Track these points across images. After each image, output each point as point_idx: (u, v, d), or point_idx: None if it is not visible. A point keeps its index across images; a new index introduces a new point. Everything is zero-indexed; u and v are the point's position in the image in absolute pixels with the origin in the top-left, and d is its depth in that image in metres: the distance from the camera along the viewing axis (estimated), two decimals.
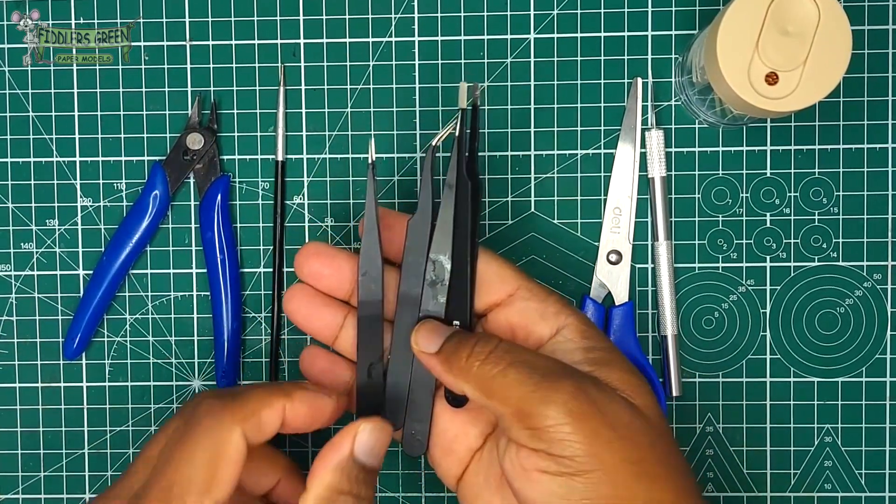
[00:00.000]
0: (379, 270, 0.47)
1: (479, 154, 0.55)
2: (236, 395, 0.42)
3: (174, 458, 0.39)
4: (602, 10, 0.55)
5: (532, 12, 0.55)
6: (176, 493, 0.39)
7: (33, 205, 0.56)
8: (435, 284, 0.47)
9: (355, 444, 0.42)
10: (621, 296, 0.55)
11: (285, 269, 0.55)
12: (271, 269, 0.55)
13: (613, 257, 0.55)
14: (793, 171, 0.55)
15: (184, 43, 0.55)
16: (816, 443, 0.55)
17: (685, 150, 0.55)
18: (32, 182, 0.56)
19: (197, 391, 0.56)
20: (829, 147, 0.55)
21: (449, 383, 0.44)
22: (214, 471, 0.39)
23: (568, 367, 0.43)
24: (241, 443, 0.40)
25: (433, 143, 0.47)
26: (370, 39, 0.55)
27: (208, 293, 0.55)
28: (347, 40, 0.55)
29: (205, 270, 0.55)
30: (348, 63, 0.55)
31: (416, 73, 0.55)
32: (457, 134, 0.46)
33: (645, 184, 0.55)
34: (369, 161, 0.47)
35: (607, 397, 0.41)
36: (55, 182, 0.56)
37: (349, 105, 0.55)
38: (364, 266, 0.47)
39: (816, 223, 0.55)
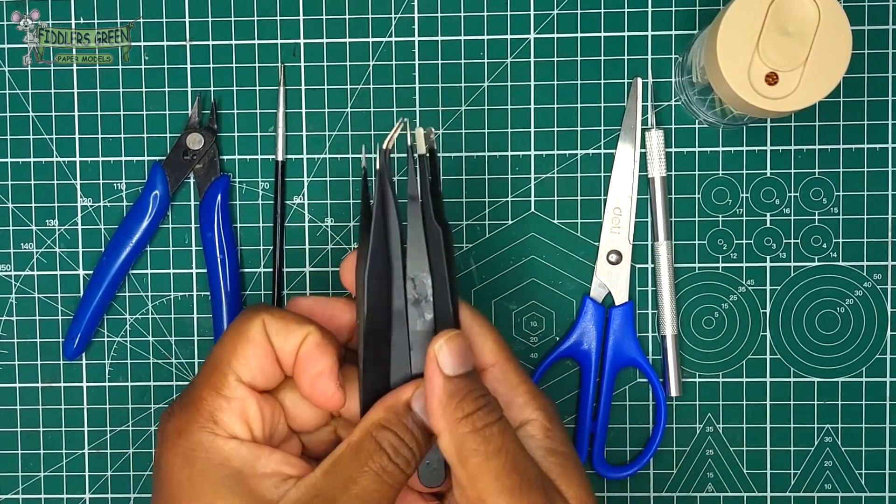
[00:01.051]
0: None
1: (480, 154, 0.55)
2: (273, 306, 0.45)
3: (216, 345, 0.43)
4: (602, 10, 0.55)
5: (532, 12, 0.55)
6: (211, 368, 0.42)
7: (33, 205, 0.56)
8: (419, 303, 0.44)
9: (414, 395, 0.41)
10: (621, 296, 0.55)
11: (285, 269, 0.55)
12: (271, 269, 0.55)
13: (613, 257, 0.55)
14: (793, 171, 0.55)
15: (184, 43, 0.55)
16: (816, 443, 0.55)
17: (685, 150, 0.55)
18: (32, 182, 0.56)
19: None
20: (829, 147, 0.55)
21: (432, 410, 0.40)
22: (235, 346, 0.42)
23: (545, 479, 0.41)
24: (260, 329, 0.42)
25: (385, 146, 0.42)
26: (370, 39, 0.55)
27: (208, 293, 0.55)
28: (347, 40, 0.55)
29: (205, 270, 0.55)
30: (348, 63, 0.55)
31: (416, 73, 0.55)
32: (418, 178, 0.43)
33: (645, 184, 0.55)
34: (370, 167, 0.45)
35: None
36: (55, 182, 0.56)
37: (349, 105, 0.55)
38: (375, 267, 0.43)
39: (816, 223, 0.55)
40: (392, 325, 0.43)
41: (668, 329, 0.54)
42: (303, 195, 0.55)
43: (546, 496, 0.40)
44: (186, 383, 0.56)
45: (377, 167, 0.43)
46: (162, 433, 0.42)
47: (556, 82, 0.55)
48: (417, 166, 0.43)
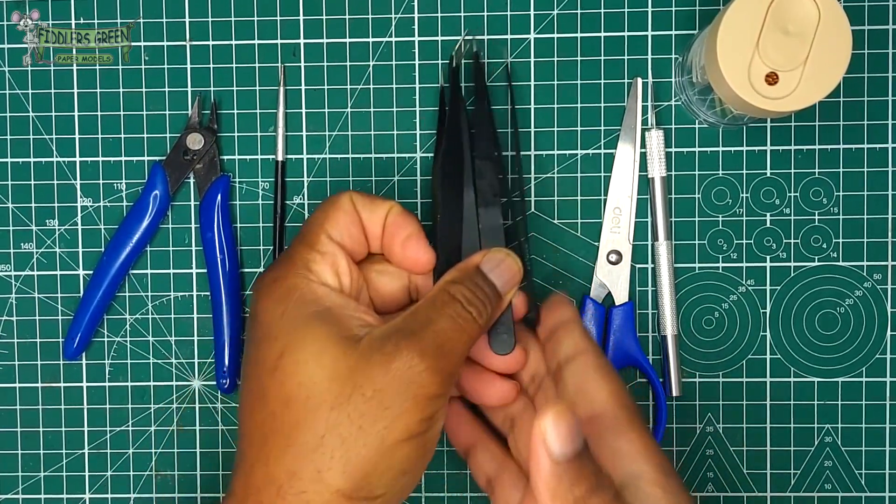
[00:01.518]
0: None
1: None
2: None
3: (308, 219, 0.47)
4: (602, 10, 0.55)
5: (532, 12, 0.55)
6: (305, 231, 0.46)
7: (33, 205, 0.56)
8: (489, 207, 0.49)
9: (484, 258, 0.45)
10: (621, 296, 0.55)
11: None
12: None
13: (613, 257, 0.55)
14: (793, 171, 0.55)
15: (184, 43, 0.55)
16: (816, 443, 0.55)
17: (685, 150, 0.55)
18: (32, 182, 0.56)
19: (197, 391, 0.56)
20: (829, 147, 0.55)
21: (538, 494, 0.39)
22: (327, 213, 0.46)
23: None
24: (348, 200, 0.47)
25: (453, 64, 0.52)
26: (370, 39, 0.55)
27: (208, 293, 0.55)
28: (347, 40, 0.55)
29: (205, 270, 0.55)
30: (348, 63, 0.55)
31: (416, 73, 0.55)
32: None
33: (645, 184, 0.55)
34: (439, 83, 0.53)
35: None
36: (55, 182, 0.56)
37: (349, 105, 0.55)
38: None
39: (816, 223, 0.55)
40: (463, 214, 0.48)
41: (669, 329, 0.54)
42: (303, 195, 0.55)
43: None
44: (186, 383, 0.56)
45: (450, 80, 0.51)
46: (258, 288, 0.45)
47: (556, 82, 0.55)
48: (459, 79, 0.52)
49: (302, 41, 0.55)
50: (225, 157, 0.55)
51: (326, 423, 0.41)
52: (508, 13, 0.55)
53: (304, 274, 0.45)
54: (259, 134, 0.55)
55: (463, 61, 0.54)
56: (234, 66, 0.55)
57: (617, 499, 0.39)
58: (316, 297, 0.44)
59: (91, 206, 0.56)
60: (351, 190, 0.47)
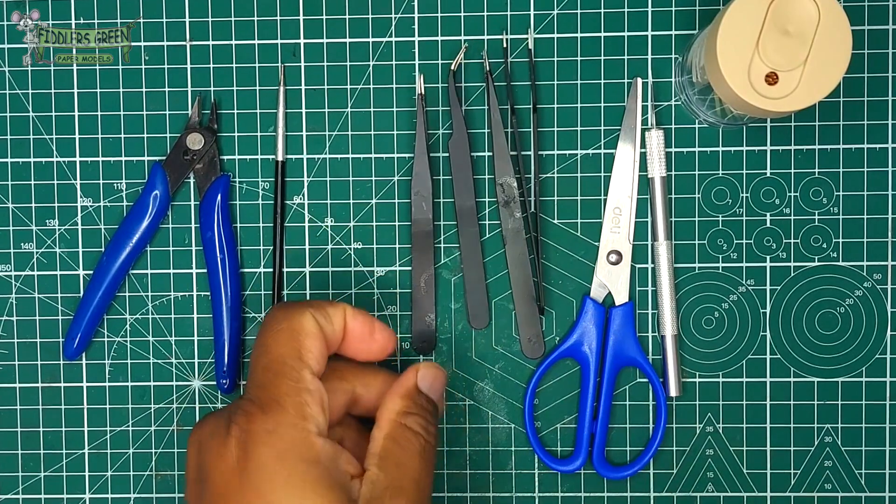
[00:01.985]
0: (429, 190, 0.54)
1: (480, 154, 0.55)
2: (303, 301, 0.49)
3: (268, 347, 0.45)
4: (602, 10, 0.55)
5: (532, 12, 0.55)
6: (277, 368, 0.44)
7: (33, 205, 0.56)
8: (508, 204, 0.54)
9: (418, 377, 0.48)
10: (621, 296, 0.55)
11: (285, 269, 0.55)
12: (271, 269, 0.55)
13: (613, 257, 0.55)
14: (793, 171, 0.55)
15: (184, 43, 0.55)
16: (816, 443, 0.55)
17: (685, 150, 0.55)
18: (32, 182, 0.56)
19: (197, 391, 0.56)
20: (829, 147, 0.55)
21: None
22: (299, 342, 0.45)
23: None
24: (313, 321, 0.46)
25: (452, 69, 0.54)
26: (370, 39, 0.55)
27: (208, 293, 0.55)
28: (347, 40, 0.55)
29: (205, 270, 0.55)
30: (348, 63, 0.55)
31: (416, 73, 0.55)
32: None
33: (645, 184, 0.55)
34: (418, 92, 0.54)
35: None
36: (55, 182, 0.56)
37: (349, 105, 0.55)
38: (416, 186, 0.54)
39: (816, 223, 0.55)
40: (459, 221, 0.54)
41: (668, 329, 0.54)
42: (303, 195, 0.55)
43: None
44: (186, 383, 0.56)
45: (450, 88, 0.54)
46: (245, 435, 0.43)
47: (556, 82, 0.55)
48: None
49: (302, 41, 0.55)
50: (225, 157, 0.55)
51: None
52: (508, 13, 0.55)
53: (301, 425, 0.43)
54: (259, 134, 0.55)
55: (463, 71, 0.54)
56: (234, 66, 0.55)
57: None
58: (315, 457, 0.43)
59: (91, 206, 0.56)
60: (303, 306, 0.46)
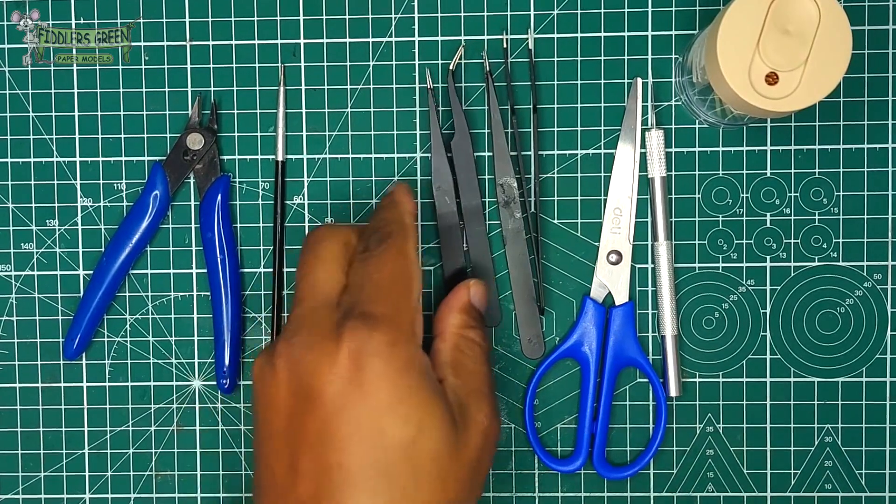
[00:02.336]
0: (450, 184, 0.54)
1: (480, 154, 0.55)
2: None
3: (382, 266, 0.48)
4: (602, 10, 0.55)
5: (532, 12, 0.55)
6: (400, 287, 0.47)
7: (33, 205, 0.56)
8: (508, 204, 0.54)
9: (470, 293, 0.51)
10: (621, 296, 0.55)
11: (285, 269, 0.55)
12: (271, 269, 0.55)
13: (613, 257, 0.55)
14: (793, 171, 0.55)
15: (184, 43, 0.55)
16: (816, 443, 0.55)
17: (685, 150, 0.55)
18: (32, 182, 0.56)
19: (197, 391, 0.56)
20: (829, 147, 0.55)
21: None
22: (409, 271, 0.48)
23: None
24: (413, 245, 0.49)
25: (451, 69, 0.54)
26: (370, 39, 0.55)
27: (208, 293, 0.55)
28: (347, 40, 0.55)
29: (205, 270, 0.55)
30: (348, 63, 0.55)
31: (416, 73, 0.55)
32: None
33: (645, 184, 0.55)
34: (428, 87, 0.54)
35: None
36: (55, 182, 0.56)
37: (349, 105, 0.55)
38: (437, 181, 0.54)
39: (816, 223, 0.55)
40: (466, 220, 0.54)
41: (668, 329, 0.54)
42: (303, 195, 0.55)
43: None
44: (186, 383, 0.56)
45: (450, 89, 0.54)
46: (363, 350, 0.44)
47: (556, 82, 0.55)
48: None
49: (302, 41, 0.55)
50: (225, 157, 0.55)
51: (454, 491, 0.46)
52: (508, 13, 0.55)
53: (415, 341, 0.46)
54: (259, 134, 0.55)
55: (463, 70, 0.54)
56: (234, 66, 0.55)
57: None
58: (426, 367, 0.46)
59: (91, 206, 0.56)
60: (408, 230, 0.49)
